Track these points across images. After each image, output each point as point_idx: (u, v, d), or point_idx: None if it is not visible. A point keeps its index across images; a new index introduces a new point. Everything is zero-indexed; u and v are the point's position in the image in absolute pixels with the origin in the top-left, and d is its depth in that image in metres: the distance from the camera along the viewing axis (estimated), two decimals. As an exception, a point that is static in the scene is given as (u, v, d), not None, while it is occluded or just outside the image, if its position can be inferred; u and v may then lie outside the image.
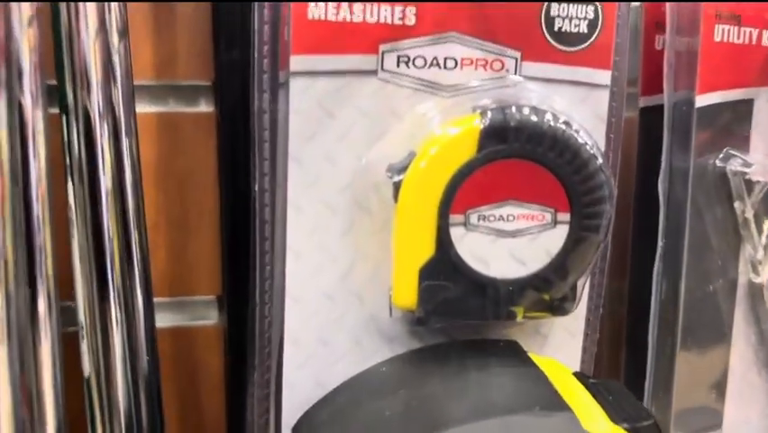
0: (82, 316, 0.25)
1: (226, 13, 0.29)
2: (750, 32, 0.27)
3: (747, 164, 0.27)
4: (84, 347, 0.25)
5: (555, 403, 0.20)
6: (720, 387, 0.29)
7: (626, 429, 0.20)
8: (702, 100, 0.26)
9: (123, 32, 0.25)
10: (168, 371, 0.35)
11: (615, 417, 0.20)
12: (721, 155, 0.27)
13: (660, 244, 0.27)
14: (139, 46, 0.32)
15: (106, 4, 0.23)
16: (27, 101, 0.22)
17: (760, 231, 0.28)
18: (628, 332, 0.30)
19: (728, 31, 0.26)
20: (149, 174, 0.33)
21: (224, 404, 0.36)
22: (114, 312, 0.25)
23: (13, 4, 0.21)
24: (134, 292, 0.25)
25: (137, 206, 0.26)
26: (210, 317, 0.36)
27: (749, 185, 0.27)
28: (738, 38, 0.26)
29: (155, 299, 0.34)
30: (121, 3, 0.24)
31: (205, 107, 0.34)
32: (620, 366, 0.30)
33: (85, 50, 0.24)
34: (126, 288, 0.25)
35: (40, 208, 0.23)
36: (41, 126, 0.22)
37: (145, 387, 0.26)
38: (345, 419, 0.21)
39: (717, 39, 0.26)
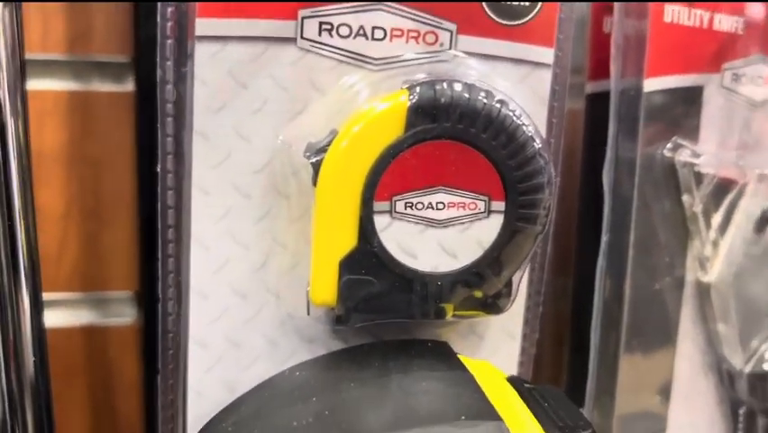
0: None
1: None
2: (701, 14, 0.25)
3: (696, 155, 0.26)
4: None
5: (483, 411, 0.18)
6: (665, 390, 0.28)
7: (561, 440, 0.18)
8: (651, 86, 0.24)
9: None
10: (81, 372, 0.32)
11: (549, 426, 0.19)
12: (669, 145, 0.26)
13: (604, 238, 0.25)
14: (51, 18, 0.29)
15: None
16: None
17: (708, 226, 0.26)
18: (571, 332, 0.28)
19: (679, 12, 0.24)
20: (59, 159, 0.30)
21: (140, 410, 0.33)
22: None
23: None
24: (19, 290, 0.22)
25: (24, 195, 0.23)
26: (126, 315, 0.33)
27: (698, 177, 0.26)
28: (689, 20, 0.25)
29: (67, 295, 0.31)
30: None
31: (122, 86, 0.31)
32: (562, 368, 0.28)
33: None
34: (10, 285, 0.22)
35: None
36: None
37: (31, 390, 0.23)
38: (245, 419, 0.19)
39: (668, 20, 0.24)
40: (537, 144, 0.20)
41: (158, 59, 0.21)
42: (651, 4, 0.24)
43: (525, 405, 0.19)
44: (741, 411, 0.30)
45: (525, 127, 0.20)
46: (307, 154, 0.20)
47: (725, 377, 0.29)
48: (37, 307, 0.23)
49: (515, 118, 0.20)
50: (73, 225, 0.31)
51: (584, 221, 0.27)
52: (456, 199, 0.20)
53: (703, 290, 0.27)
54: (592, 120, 0.27)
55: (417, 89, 0.19)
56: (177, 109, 0.21)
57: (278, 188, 0.21)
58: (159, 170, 0.21)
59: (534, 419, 0.19)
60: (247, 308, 0.21)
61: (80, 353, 0.32)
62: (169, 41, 0.20)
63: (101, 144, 0.31)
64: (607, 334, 0.26)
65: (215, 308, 0.21)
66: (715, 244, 0.26)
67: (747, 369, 0.28)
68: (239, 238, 0.21)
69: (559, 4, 0.22)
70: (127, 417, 0.33)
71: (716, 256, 0.26)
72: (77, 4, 0.29)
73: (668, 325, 0.27)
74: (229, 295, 0.21)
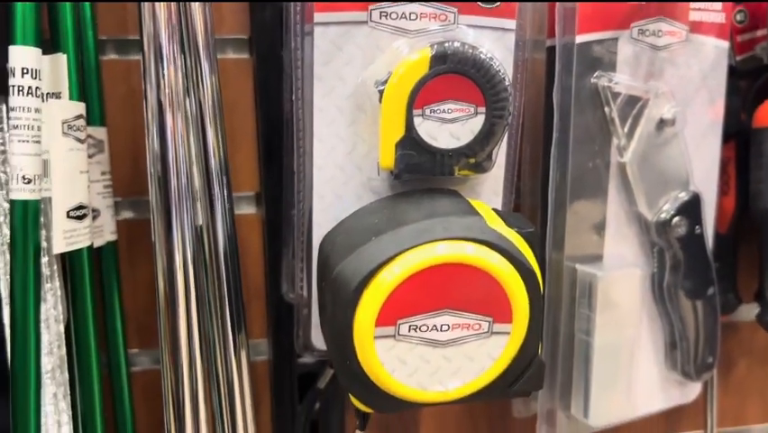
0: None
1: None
2: (615, -8, 0.40)
3: (613, 81, 0.41)
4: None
5: (473, 213, 0.34)
6: (600, 233, 0.43)
7: (516, 232, 0.35)
8: (580, 39, 0.40)
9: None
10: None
11: (509, 225, 0.35)
12: (595, 75, 0.41)
13: (555, 135, 0.41)
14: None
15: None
16: None
17: (623, 126, 0.41)
18: (541, 192, 0.43)
19: (598, -8, 0.40)
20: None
21: (263, 272, 0.50)
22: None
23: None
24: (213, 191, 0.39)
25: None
26: (251, 209, 0.50)
27: (614, 95, 0.41)
28: (606, -4, 0.40)
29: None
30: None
31: (245, 55, 0.47)
32: (537, 216, 0.44)
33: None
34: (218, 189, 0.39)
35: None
36: None
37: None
38: (348, 227, 0.35)
39: (590, -2, 0.39)
40: (503, 75, 0.35)
41: (291, 37, 0.37)
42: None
43: (498, 217, 0.35)
44: (655, 249, 0.45)
45: (497, 66, 0.35)
46: (376, 86, 0.36)
47: (642, 225, 0.44)
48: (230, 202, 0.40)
49: (491, 61, 0.35)
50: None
51: (547, 126, 0.42)
52: (459, 107, 0.35)
53: (622, 168, 0.42)
54: (550, 63, 0.42)
55: (435, 47, 0.35)
56: (302, 64, 0.37)
57: (360, 106, 0.37)
58: (292, 99, 0.37)
59: (501, 221, 0.35)
60: (344, 176, 0.38)
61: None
62: (298, 26, 0.37)
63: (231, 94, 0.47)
64: (560, 195, 0.42)
65: (327, 176, 0.38)
66: (628, 137, 0.42)
67: (654, 219, 0.43)
68: (339, 135, 0.37)
69: (518, -7, 0.37)
70: (254, 278, 0.50)
71: (629, 146, 0.42)
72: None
73: (600, 190, 0.42)
74: (334, 168, 0.38)
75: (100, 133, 0.44)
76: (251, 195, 0.50)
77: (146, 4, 0.36)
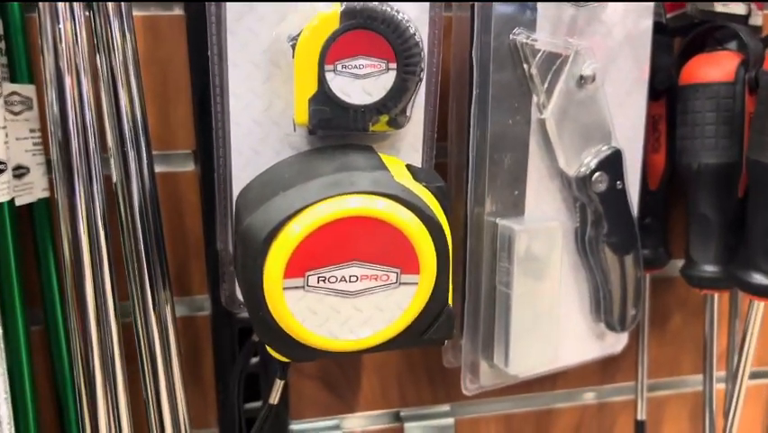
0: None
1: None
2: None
3: (533, 39, 0.41)
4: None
5: (381, 167, 0.35)
6: (522, 189, 0.44)
7: (424, 186, 0.35)
8: (498, -3, 0.40)
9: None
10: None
11: (418, 179, 0.36)
12: (514, 32, 0.41)
13: (475, 92, 0.41)
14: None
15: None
16: None
17: (542, 83, 0.42)
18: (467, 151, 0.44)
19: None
20: (142, 60, 0.46)
21: (201, 224, 0.51)
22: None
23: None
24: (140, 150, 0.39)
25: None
26: (190, 166, 0.50)
27: (533, 52, 0.41)
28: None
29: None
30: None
31: (178, 11, 0.47)
32: (463, 174, 0.45)
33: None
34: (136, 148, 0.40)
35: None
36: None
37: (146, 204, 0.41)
38: (261, 182, 0.36)
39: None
40: (414, 31, 0.36)
41: None
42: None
43: (408, 172, 0.36)
44: (577, 204, 0.46)
45: (407, 23, 0.36)
46: (289, 41, 0.36)
47: (564, 181, 0.45)
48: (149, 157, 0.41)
49: (402, 18, 0.36)
50: (150, 103, 0.48)
51: (470, 83, 0.43)
52: (370, 62, 0.36)
53: (542, 125, 0.43)
54: (472, 21, 0.42)
55: (345, 3, 0.35)
56: (217, 20, 0.37)
57: (275, 62, 0.38)
58: (209, 54, 0.38)
59: (410, 175, 0.36)
60: (261, 132, 0.39)
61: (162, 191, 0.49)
62: (211, -18, 0.37)
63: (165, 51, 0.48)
64: (480, 151, 0.42)
65: (243, 133, 0.38)
66: (547, 94, 0.42)
67: (575, 174, 0.44)
68: (255, 91, 0.38)
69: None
70: (193, 230, 0.51)
71: (548, 102, 0.42)
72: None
73: (521, 146, 0.43)
74: (251, 124, 0.38)
75: (28, 90, 0.44)
76: (188, 152, 0.50)
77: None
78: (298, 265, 0.33)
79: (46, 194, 0.45)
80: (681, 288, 0.61)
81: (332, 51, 0.35)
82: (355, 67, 0.36)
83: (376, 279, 0.34)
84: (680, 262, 0.55)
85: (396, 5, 0.36)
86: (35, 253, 0.46)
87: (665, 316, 0.62)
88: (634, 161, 0.48)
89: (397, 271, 0.35)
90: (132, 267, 0.39)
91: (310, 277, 0.33)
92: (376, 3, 0.35)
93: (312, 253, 0.33)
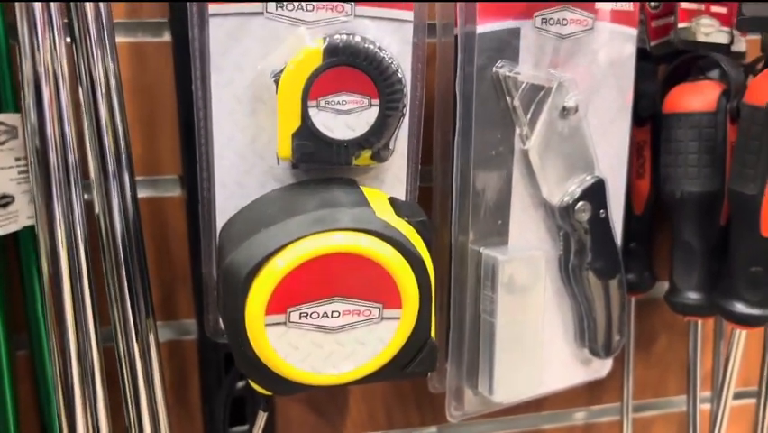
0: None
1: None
2: (516, -17, 0.41)
3: (515, 70, 0.42)
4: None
5: (363, 204, 0.35)
6: (505, 218, 0.44)
7: (406, 221, 0.36)
8: (481, 29, 0.40)
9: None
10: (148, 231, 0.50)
11: (400, 214, 0.36)
12: (498, 65, 0.42)
13: (458, 124, 0.42)
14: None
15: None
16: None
17: (525, 114, 0.42)
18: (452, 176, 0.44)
19: (499, -18, 0.40)
20: (127, 88, 0.46)
21: (187, 251, 0.51)
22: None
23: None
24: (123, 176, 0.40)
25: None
26: (177, 191, 0.50)
27: (516, 84, 0.42)
28: (507, -12, 0.40)
29: (139, 178, 0.48)
30: None
31: (167, 38, 0.48)
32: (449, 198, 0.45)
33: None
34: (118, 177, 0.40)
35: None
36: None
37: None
38: (244, 217, 0.36)
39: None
40: (396, 68, 0.36)
41: (189, 27, 0.37)
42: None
43: (390, 206, 0.37)
44: (560, 233, 0.46)
45: (389, 59, 0.36)
46: (273, 76, 0.37)
47: (548, 210, 0.46)
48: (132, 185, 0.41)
49: (383, 54, 0.36)
50: (136, 132, 0.48)
51: (454, 111, 0.43)
52: (353, 98, 0.36)
53: (525, 155, 0.44)
54: (455, 50, 0.42)
55: (328, 39, 0.36)
56: (201, 54, 0.37)
57: (259, 97, 0.38)
58: (192, 89, 0.38)
59: (392, 210, 0.36)
60: (245, 165, 0.39)
61: (146, 218, 0.49)
62: (195, 16, 0.37)
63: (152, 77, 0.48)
64: (463, 181, 0.43)
65: (227, 166, 0.39)
66: (530, 125, 0.43)
67: (558, 204, 0.45)
68: (239, 124, 0.38)
69: (415, -16, 0.38)
70: (179, 258, 0.51)
71: (531, 134, 0.43)
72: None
73: (504, 176, 0.43)
74: (235, 157, 0.39)
75: (13, 119, 0.44)
76: (175, 178, 0.51)
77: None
78: (280, 301, 0.33)
79: (31, 222, 0.45)
80: (666, 310, 0.61)
81: (315, 87, 0.36)
82: (338, 103, 0.36)
83: (358, 314, 0.35)
84: (665, 285, 0.55)
85: (378, 41, 0.36)
86: (20, 279, 0.46)
87: (651, 337, 0.63)
88: (617, 188, 0.48)
89: (380, 306, 0.35)
90: (115, 293, 0.39)
91: (292, 313, 0.34)
92: (358, 39, 0.36)
93: (294, 289, 0.33)
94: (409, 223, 0.36)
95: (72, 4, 0.37)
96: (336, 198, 0.36)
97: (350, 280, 0.34)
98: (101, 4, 0.37)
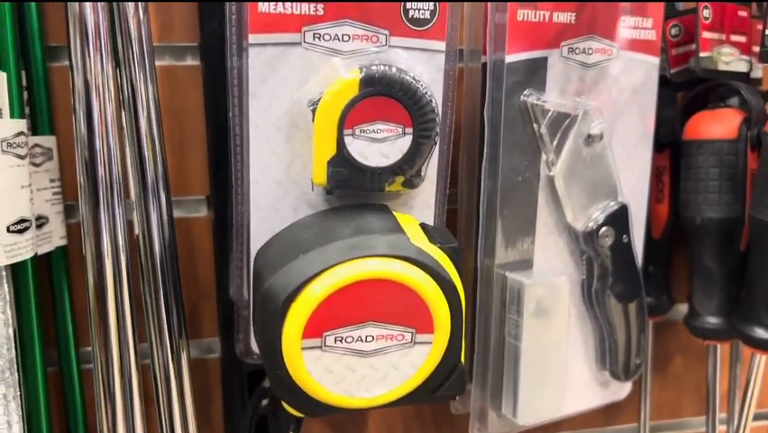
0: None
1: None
2: (544, 13, 0.42)
3: (542, 100, 0.42)
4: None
5: (397, 230, 0.36)
6: (530, 242, 0.45)
7: (438, 247, 0.36)
8: (510, 59, 0.41)
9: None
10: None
11: (433, 240, 0.37)
12: (525, 93, 0.43)
13: (486, 150, 0.43)
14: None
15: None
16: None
17: (552, 141, 0.43)
18: (477, 200, 0.45)
19: (527, 13, 0.41)
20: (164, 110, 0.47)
21: (213, 268, 0.52)
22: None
23: None
24: (157, 194, 0.41)
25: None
26: (203, 211, 0.51)
27: (543, 112, 0.43)
28: (535, 17, 0.41)
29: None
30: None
31: (191, 61, 0.48)
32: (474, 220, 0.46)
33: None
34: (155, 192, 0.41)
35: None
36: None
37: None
38: (280, 242, 0.37)
39: (519, 18, 0.41)
40: (430, 97, 0.37)
41: (228, 55, 0.38)
42: (509, 6, 0.40)
43: (423, 232, 0.37)
44: (584, 257, 0.47)
45: (423, 89, 0.37)
46: (309, 105, 0.37)
47: (572, 235, 0.46)
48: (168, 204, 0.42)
49: (418, 84, 0.37)
50: (169, 152, 0.49)
51: (481, 137, 0.44)
52: (388, 127, 0.37)
53: (551, 181, 0.44)
54: (484, 79, 0.43)
55: (365, 70, 0.36)
56: (239, 82, 0.38)
57: (295, 124, 0.39)
58: (230, 115, 0.39)
59: (425, 237, 0.37)
60: (280, 190, 0.40)
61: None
62: (234, 46, 0.38)
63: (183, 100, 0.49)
64: (490, 206, 0.43)
65: (263, 191, 0.39)
66: (556, 152, 0.44)
67: (582, 229, 0.46)
68: (275, 151, 0.39)
69: (448, 17, 0.39)
70: (204, 276, 0.52)
71: (557, 160, 0.44)
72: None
73: (530, 202, 0.44)
74: (271, 183, 0.39)
75: (49, 141, 0.45)
76: (202, 198, 0.51)
77: (73, 6, 0.37)
78: (316, 326, 0.34)
79: (64, 242, 0.46)
80: (684, 332, 0.62)
81: (351, 116, 0.37)
82: (373, 131, 0.37)
83: (392, 338, 0.35)
84: (682, 307, 0.56)
85: (412, 71, 0.37)
86: (51, 297, 0.46)
87: (668, 359, 0.63)
88: (639, 213, 0.49)
89: (413, 330, 0.35)
90: (152, 311, 0.40)
91: (327, 337, 0.34)
92: (395, 70, 0.37)
93: (330, 314, 0.34)
94: (441, 249, 0.36)
95: (117, 25, 0.38)
96: (371, 224, 0.36)
97: (384, 306, 0.35)
98: (143, 28, 0.38)
